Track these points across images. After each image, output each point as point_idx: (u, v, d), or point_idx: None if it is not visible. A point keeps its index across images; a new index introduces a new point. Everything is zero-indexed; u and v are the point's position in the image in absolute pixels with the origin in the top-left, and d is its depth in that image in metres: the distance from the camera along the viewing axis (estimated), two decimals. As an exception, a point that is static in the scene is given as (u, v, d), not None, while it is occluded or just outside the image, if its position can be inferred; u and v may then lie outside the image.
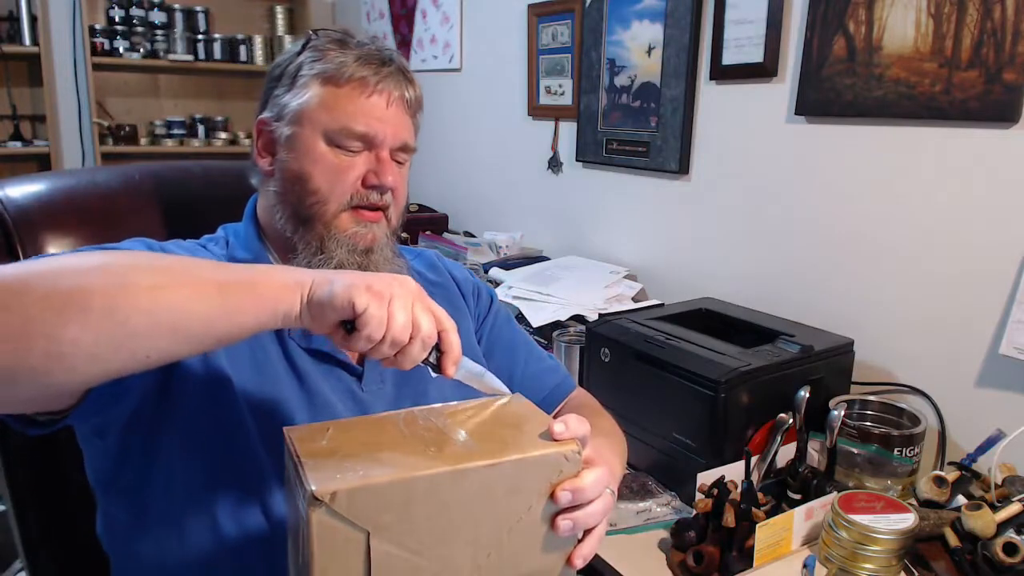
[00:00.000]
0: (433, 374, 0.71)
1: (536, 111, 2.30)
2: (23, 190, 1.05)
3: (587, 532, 0.71)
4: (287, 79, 0.91)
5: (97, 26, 3.11)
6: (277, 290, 0.65)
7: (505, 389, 0.75)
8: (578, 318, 1.68)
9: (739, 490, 1.08)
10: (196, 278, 0.64)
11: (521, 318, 1.74)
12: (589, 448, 0.69)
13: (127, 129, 3.24)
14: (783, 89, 1.54)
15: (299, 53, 0.91)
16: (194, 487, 0.81)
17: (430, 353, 0.70)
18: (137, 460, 0.82)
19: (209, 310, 0.62)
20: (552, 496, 0.66)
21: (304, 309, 0.65)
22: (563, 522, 0.67)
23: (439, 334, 0.69)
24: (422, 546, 0.61)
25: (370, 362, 0.93)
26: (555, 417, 0.69)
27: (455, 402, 0.74)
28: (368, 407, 0.91)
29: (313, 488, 0.56)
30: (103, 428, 0.80)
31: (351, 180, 0.88)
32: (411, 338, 0.66)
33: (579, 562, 0.71)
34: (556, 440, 0.66)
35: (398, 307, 0.65)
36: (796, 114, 1.51)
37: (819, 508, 1.09)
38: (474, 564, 0.64)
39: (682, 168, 1.79)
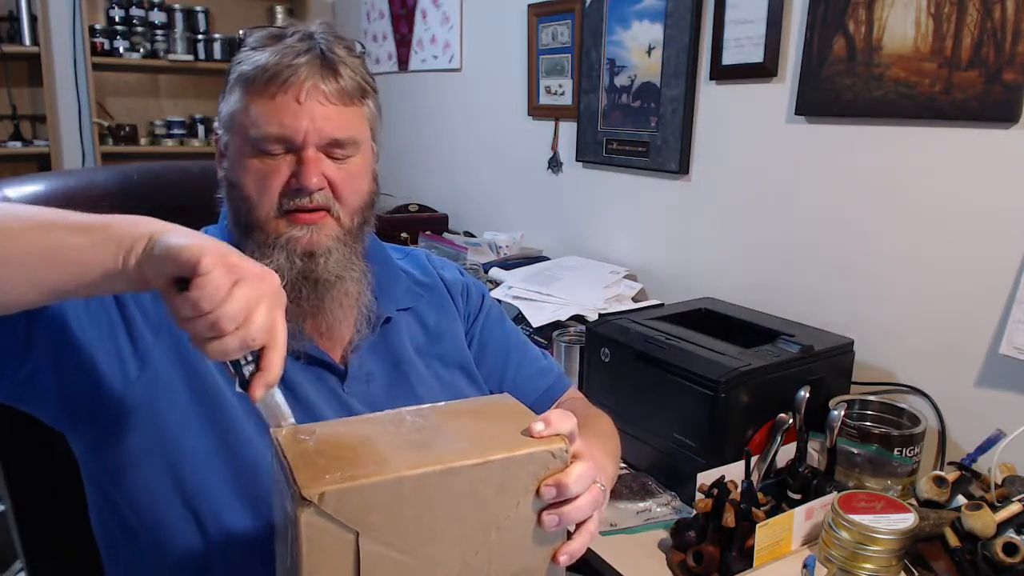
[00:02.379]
0: (237, 388, 0.64)
1: (536, 111, 2.30)
2: (21, 191, 1.05)
3: (577, 528, 0.71)
4: (225, 85, 0.88)
5: (97, 26, 3.12)
6: (127, 229, 0.62)
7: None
8: (578, 318, 1.68)
9: (739, 490, 1.08)
10: (50, 219, 0.63)
11: (521, 318, 1.74)
12: (578, 443, 0.69)
13: (127, 129, 3.24)
14: (783, 89, 1.54)
15: (234, 55, 0.88)
16: (186, 487, 0.81)
17: (249, 362, 0.64)
18: (104, 455, 0.82)
19: (49, 245, 0.61)
20: (537, 492, 0.66)
21: (147, 254, 0.61)
22: (548, 517, 0.66)
23: (264, 348, 0.63)
24: (410, 545, 0.61)
25: (354, 361, 0.92)
26: None
27: (441, 402, 0.73)
28: (352, 408, 0.90)
29: (301, 488, 0.56)
30: (38, 407, 0.80)
31: (276, 186, 0.84)
32: (235, 329, 0.60)
33: (563, 559, 0.70)
34: (537, 438, 0.66)
35: (242, 292, 0.59)
36: (796, 114, 1.51)
37: (819, 508, 1.09)
38: (462, 563, 0.64)
39: (682, 168, 1.78)
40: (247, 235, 0.87)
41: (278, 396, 0.66)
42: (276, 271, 0.82)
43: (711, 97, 1.72)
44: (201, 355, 0.81)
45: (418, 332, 1.00)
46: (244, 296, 0.59)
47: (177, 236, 0.61)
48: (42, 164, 3.06)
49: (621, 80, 1.93)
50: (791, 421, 1.19)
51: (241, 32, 0.88)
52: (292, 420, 0.67)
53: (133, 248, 0.61)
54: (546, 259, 2.15)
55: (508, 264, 2.08)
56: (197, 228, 0.96)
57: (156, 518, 0.81)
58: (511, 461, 0.64)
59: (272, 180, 0.84)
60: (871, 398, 1.32)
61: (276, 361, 0.63)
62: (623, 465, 1.34)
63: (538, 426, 0.66)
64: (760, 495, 1.11)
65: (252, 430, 0.82)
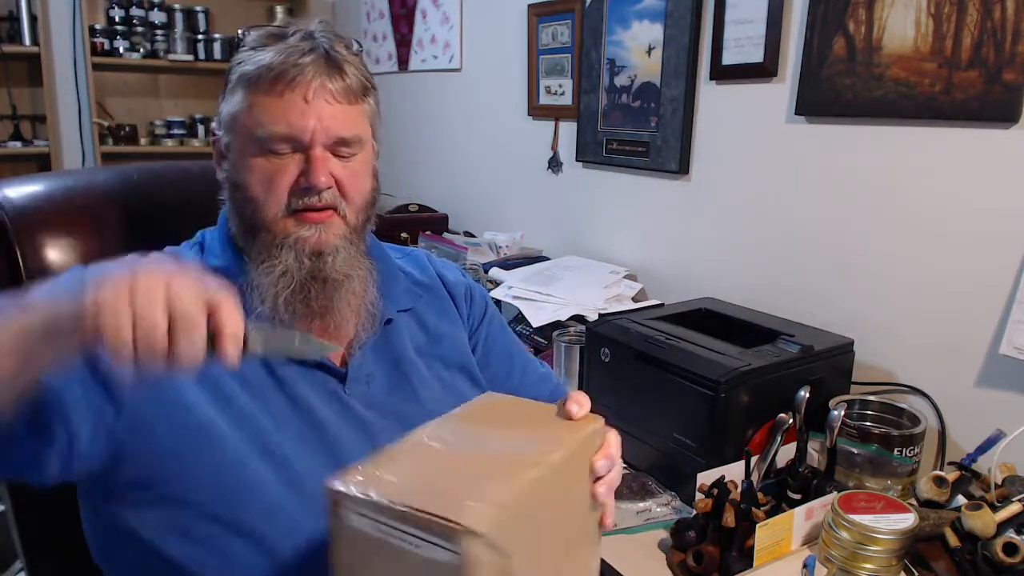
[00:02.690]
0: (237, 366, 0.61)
1: (536, 111, 2.30)
2: (21, 191, 1.05)
3: None
4: (225, 85, 0.87)
5: (97, 26, 3.11)
6: (29, 335, 0.61)
7: (331, 344, 0.71)
8: (578, 318, 1.68)
9: (739, 490, 1.08)
10: None
11: (521, 318, 1.74)
12: None
13: (127, 129, 3.24)
14: (783, 89, 1.54)
15: (233, 55, 0.87)
16: (176, 514, 0.80)
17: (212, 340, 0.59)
18: (97, 490, 0.82)
19: None
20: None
21: (54, 337, 0.60)
22: (601, 488, 0.72)
23: (211, 316, 0.59)
24: (538, 551, 0.60)
25: (355, 363, 0.91)
26: None
27: (452, 412, 0.73)
28: (354, 410, 0.89)
29: (463, 523, 0.52)
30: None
31: (284, 185, 0.83)
32: (172, 332, 0.56)
33: (610, 522, 0.77)
34: (577, 420, 0.70)
35: (142, 296, 0.56)
36: (796, 114, 1.51)
37: (819, 508, 1.09)
38: (561, 554, 0.65)
39: (682, 168, 1.78)
40: (253, 236, 0.86)
41: (265, 331, 0.63)
42: (284, 272, 0.83)
43: (711, 97, 1.72)
44: (173, 383, 0.79)
45: (418, 333, 1.00)
46: (147, 296, 0.56)
47: (58, 302, 0.60)
48: (42, 164, 3.06)
49: (621, 80, 1.92)
50: (791, 421, 1.19)
51: (240, 32, 0.87)
52: (300, 332, 0.68)
53: (46, 341, 0.60)
54: (546, 259, 2.15)
55: (508, 264, 2.08)
56: (194, 227, 0.96)
57: (155, 544, 0.80)
58: (582, 446, 0.67)
59: (280, 179, 0.83)
60: (871, 398, 1.32)
61: (225, 316, 0.60)
62: (623, 465, 1.34)
63: (574, 408, 0.71)
64: (760, 495, 1.11)
65: (245, 451, 0.81)
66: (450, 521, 0.52)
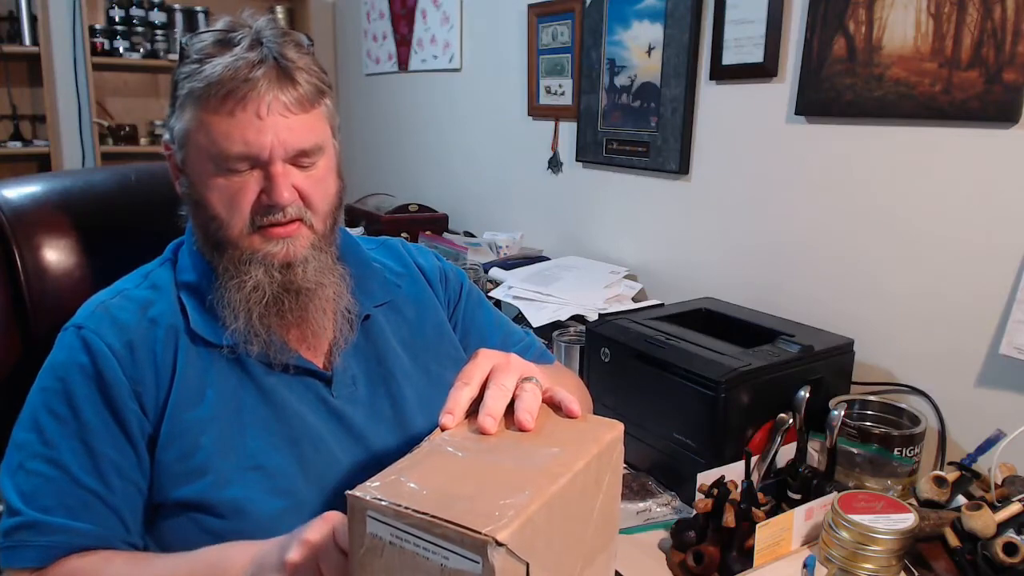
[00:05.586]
0: None
1: (536, 111, 2.30)
2: (19, 192, 1.05)
3: None
4: (171, 98, 0.84)
5: (97, 26, 3.11)
6: None
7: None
8: (578, 318, 1.68)
9: (739, 490, 1.07)
10: None
11: (521, 318, 1.73)
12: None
13: (127, 129, 3.24)
14: (783, 89, 1.54)
15: (179, 66, 0.83)
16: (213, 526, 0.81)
17: None
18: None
19: None
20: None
21: None
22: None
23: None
24: (559, 561, 0.60)
25: (339, 365, 0.91)
26: None
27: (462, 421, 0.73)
28: (342, 413, 0.89)
29: (490, 533, 0.51)
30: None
31: (246, 204, 0.81)
32: None
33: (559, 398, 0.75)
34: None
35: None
36: (796, 114, 1.51)
37: (819, 508, 1.09)
38: (580, 563, 0.64)
39: (682, 168, 1.78)
40: (220, 252, 0.85)
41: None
42: (256, 287, 0.82)
43: (711, 97, 1.72)
44: (202, 391, 0.84)
45: (400, 325, 0.99)
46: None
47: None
48: (42, 164, 3.06)
49: (621, 80, 1.92)
50: (791, 421, 1.19)
51: (183, 41, 0.83)
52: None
53: None
54: (546, 259, 2.15)
55: (508, 264, 2.08)
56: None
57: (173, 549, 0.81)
58: (601, 454, 0.65)
59: (241, 198, 0.81)
60: (871, 398, 1.32)
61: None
62: (623, 465, 1.34)
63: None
64: (760, 495, 1.11)
65: (229, 468, 0.82)
66: (475, 532, 0.51)
